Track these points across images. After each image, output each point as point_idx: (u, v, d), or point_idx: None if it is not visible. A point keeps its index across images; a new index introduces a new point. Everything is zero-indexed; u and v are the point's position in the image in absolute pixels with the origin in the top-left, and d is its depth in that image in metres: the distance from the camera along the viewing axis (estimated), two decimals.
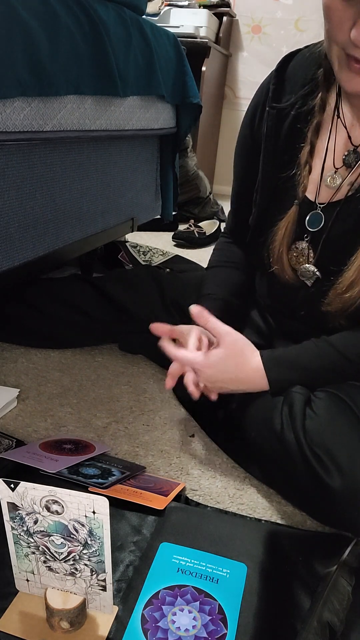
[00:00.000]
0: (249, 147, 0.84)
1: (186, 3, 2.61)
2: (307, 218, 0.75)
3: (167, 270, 1.46)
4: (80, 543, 0.49)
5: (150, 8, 2.57)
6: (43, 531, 0.50)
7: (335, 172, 0.73)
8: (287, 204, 0.76)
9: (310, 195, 0.75)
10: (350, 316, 0.74)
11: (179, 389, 0.99)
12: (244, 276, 0.94)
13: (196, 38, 2.51)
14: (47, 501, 0.48)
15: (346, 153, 0.72)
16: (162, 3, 2.63)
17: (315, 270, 0.76)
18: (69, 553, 0.50)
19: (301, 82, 0.75)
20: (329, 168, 0.73)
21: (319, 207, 0.74)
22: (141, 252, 1.66)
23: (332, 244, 0.74)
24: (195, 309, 0.73)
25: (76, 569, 0.51)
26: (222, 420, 0.88)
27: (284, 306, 0.87)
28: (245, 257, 0.95)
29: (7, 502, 0.49)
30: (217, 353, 0.73)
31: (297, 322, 0.85)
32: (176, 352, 0.76)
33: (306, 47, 0.76)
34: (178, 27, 2.48)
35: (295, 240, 0.77)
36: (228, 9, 2.80)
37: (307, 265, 0.77)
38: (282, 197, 0.78)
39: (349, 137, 0.72)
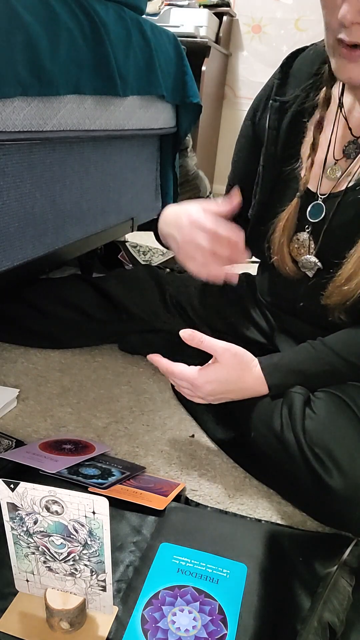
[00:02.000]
0: (250, 141, 0.85)
1: (186, 3, 2.61)
2: (309, 209, 0.76)
3: (167, 270, 1.46)
4: (80, 543, 0.49)
5: (150, 8, 2.56)
6: (43, 531, 0.50)
7: (336, 163, 0.74)
8: (289, 197, 0.77)
9: (311, 187, 0.75)
10: (349, 310, 0.74)
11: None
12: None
13: (196, 38, 2.51)
14: (47, 501, 0.48)
15: (346, 144, 0.72)
16: (162, 3, 2.62)
17: (317, 261, 0.76)
18: (69, 553, 0.50)
19: (305, 77, 0.75)
20: (330, 160, 0.74)
21: (320, 198, 0.74)
22: (141, 252, 1.66)
23: (333, 235, 0.74)
24: (185, 333, 0.72)
25: (76, 570, 0.51)
26: (222, 421, 0.88)
27: (284, 301, 0.87)
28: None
29: (7, 503, 0.49)
30: (215, 369, 0.73)
31: (297, 318, 0.85)
32: (172, 368, 0.75)
33: (312, 44, 0.77)
34: (178, 26, 2.48)
35: (297, 232, 0.77)
36: (228, 8, 2.79)
37: (308, 256, 0.77)
38: (284, 189, 0.78)
39: (350, 129, 0.72)
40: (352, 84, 0.67)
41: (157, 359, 0.77)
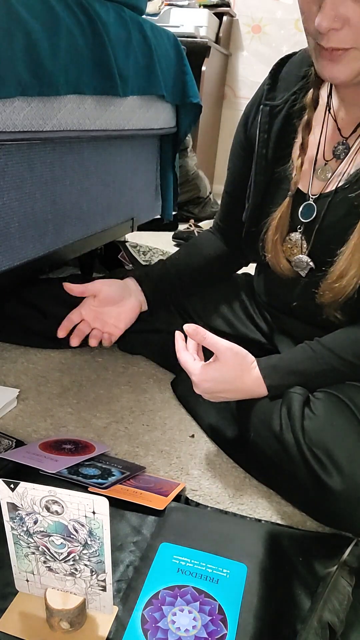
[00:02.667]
0: (243, 145, 0.86)
1: (186, 3, 2.61)
2: (300, 209, 0.77)
3: None
4: (80, 543, 0.49)
5: (150, 8, 2.56)
6: (43, 531, 0.50)
7: (326, 164, 0.75)
8: (281, 197, 0.78)
9: (302, 187, 0.76)
10: (343, 308, 0.74)
11: (179, 389, 1.00)
12: (202, 259, 0.98)
13: (196, 38, 2.51)
14: (47, 501, 0.48)
15: (335, 145, 0.73)
16: (162, 3, 2.63)
17: (309, 260, 0.77)
18: (69, 553, 0.50)
19: (294, 80, 0.77)
20: (320, 161, 0.75)
21: (311, 198, 0.75)
22: (141, 252, 1.66)
23: (325, 235, 0.75)
24: (189, 328, 0.73)
25: (76, 569, 0.51)
26: (221, 421, 0.88)
27: (279, 301, 0.88)
28: (219, 247, 0.98)
29: (7, 502, 0.49)
30: (215, 368, 0.74)
31: (293, 318, 0.86)
32: (180, 354, 0.77)
33: (301, 49, 0.78)
34: (178, 27, 2.48)
35: (289, 232, 0.78)
36: (228, 8, 2.79)
37: (300, 255, 0.77)
38: (275, 190, 0.80)
39: (339, 130, 0.73)
40: (336, 83, 0.69)
41: (179, 336, 0.79)
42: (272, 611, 0.55)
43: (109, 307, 0.91)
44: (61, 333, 0.88)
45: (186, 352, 0.77)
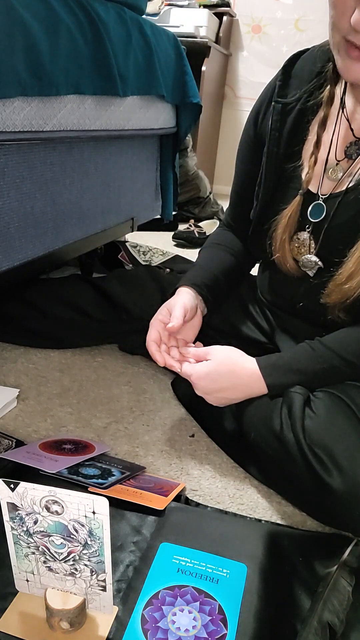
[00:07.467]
0: (252, 143, 0.85)
1: (186, 3, 2.61)
2: (309, 209, 0.76)
3: (167, 270, 1.46)
4: (80, 543, 0.49)
5: (150, 8, 2.56)
6: (43, 531, 0.50)
7: (337, 164, 0.74)
8: (290, 196, 0.77)
9: (312, 187, 0.76)
10: (348, 308, 0.74)
11: (179, 389, 1.00)
12: (233, 259, 0.94)
13: (196, 38, 2.51)
14: (47, 501, 0.48)
15: (348, 145, 0.73)
16: (162, 3, 2.62)
17: (317, 260, 0.77)
18: (69, 553, 0.50)
19: (308, 77, 0.75)
20: (331, 160, 0.74)
21: (321, 198, 0.75)
22: (141, 252, 1.66)
23: (333, 235, 0.75)
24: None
25: (76, 569, 0.51)
26: (222, 420, 0.88)
27: (283, 300, 0.87)
28: (240, 244, 0.96)
29: (7, 502, 0.49)
30: (206, 364, 0.75)
31: (296, 317, 0.86)
32: (173, 364, 0.79)
33: (314, 46, 0.77)
34: (178, 26, 2.48)
35: (297, 231, 0.78)
36: (228, 8, 2.79)
37: (308, 255, 0.77)
38: (285, 189, 0.79)
39: (351, 130, 0.72)
40: (359, 84, 0.67)
41: (170, 362, 0.80)
42: (272, 611, 0.55)
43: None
44: (162, 362, 0.81)
45: (177, 363, 0.78)
